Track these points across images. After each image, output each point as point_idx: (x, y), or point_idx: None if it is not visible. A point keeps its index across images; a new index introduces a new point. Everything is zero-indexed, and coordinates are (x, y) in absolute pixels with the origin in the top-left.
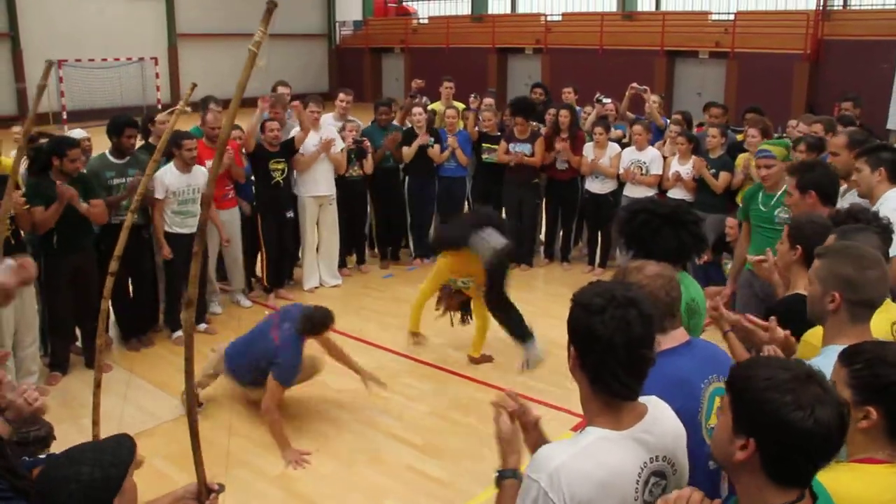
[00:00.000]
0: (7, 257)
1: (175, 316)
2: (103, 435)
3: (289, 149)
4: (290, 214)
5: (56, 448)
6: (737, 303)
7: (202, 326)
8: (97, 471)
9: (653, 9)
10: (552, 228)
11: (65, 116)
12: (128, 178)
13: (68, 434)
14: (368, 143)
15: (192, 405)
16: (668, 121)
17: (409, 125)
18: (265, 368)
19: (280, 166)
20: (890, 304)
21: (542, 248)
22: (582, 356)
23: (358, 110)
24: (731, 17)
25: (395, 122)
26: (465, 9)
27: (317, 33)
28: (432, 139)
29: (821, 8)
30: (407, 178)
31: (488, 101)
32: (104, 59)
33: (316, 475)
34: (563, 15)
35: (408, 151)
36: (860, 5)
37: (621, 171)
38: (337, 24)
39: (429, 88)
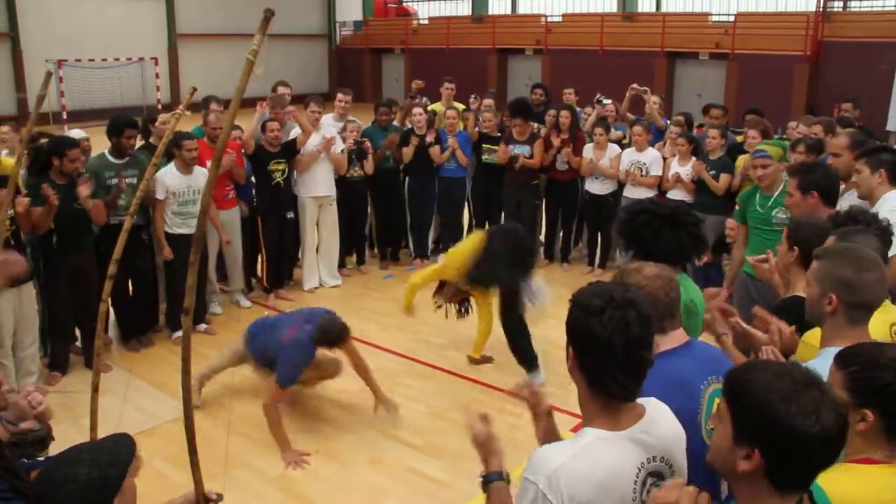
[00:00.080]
0: None
1: (176, 316)
2: (102, 436)
3: (290, 150)
4: (290, 215)
5: (55, 449)
6: (733, 305)
7: (202, 327)
8: (95, 471)
9: (653, 10)
10: (552, 229)
11: (65, 116)
12: (127, 180)
13: (67, 434)
14: (369, 144)
15: (190, 413)
16: (668, 122)
17: (409, 126)
18: (271, 358)
19: (280, 167)
20: (889, 305)
21: (541, 249)
22: (580, 357)
23: (358, 111)
24: (732, 18)
25: (395, 123)
26: (465, 9)
27: (317, 33)
28: (432, 139)
29: (821, 9)
30: (407, 178)
31: (488, 101)
32: (104, 60)
33: (316, 476)
34: (564, 16)
35: (408, 151)
36: (860, 7)
37: (621, 171)
38: (337, 25)
39: (429, 89)
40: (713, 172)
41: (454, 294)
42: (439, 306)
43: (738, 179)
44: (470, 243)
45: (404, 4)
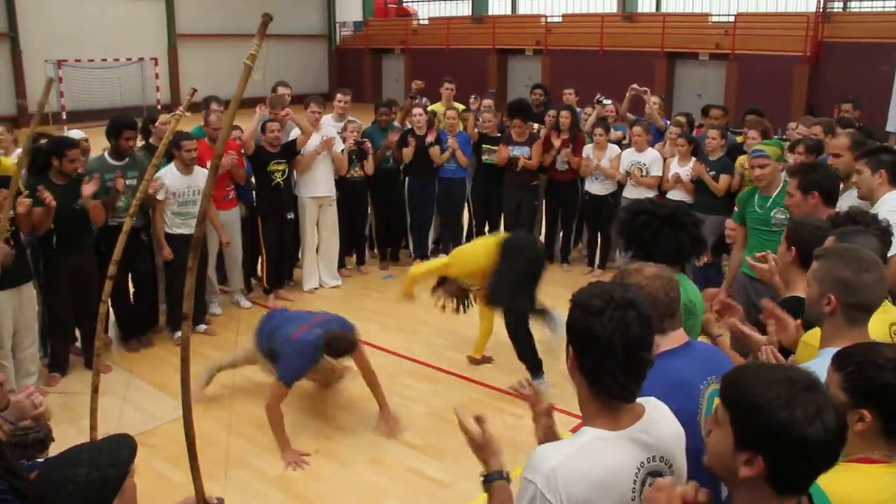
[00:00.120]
0: None
1: (176, 317)
2: (101, 437)
3: (290, 150)
4: (290, 216)
5: (55, 450)
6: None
7: (202, 327)
8: (94, 472)
9: (653, 10)
10: (552, 230)
11: (64, 117)
12: (127, 181)
13: (67, 435)
14: (369, 144)
15: (190, 418)
16: (668, 122)
17: (409, 126)
18: (275, 351)
19: (280, 167)
20: (888, 305)
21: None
22: (580, 357)
23: (358, 111)
24: (732, 18)
25: (395, 123)
26: (465, 10)
27: (317, 34)
28: (433, 140)
29: (821, 10)
30: (407, 178)
31: (487, 102)
32: (104, 60)
33: (316, 476)
34: (564, 16)
35: (407, 152)
36: (860, 8)
37: (621, 171)
38: (337, 25)
39: (429, 89)
40: (713, 173)
41: (455, 291)
42: (437, 302)
43: (738, 180)
44: (482, 249)
45: (404, 5)
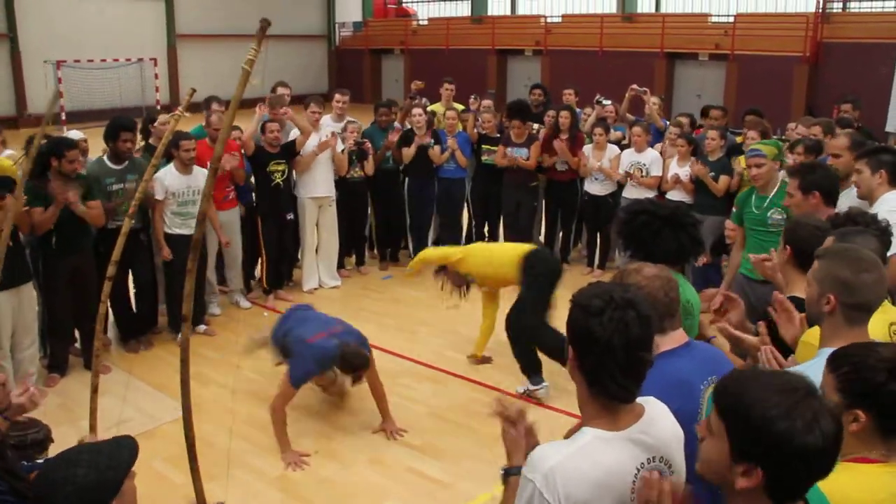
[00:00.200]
0: None
1: (176, 318)
2: (101, 438)
3: (289, 151)
4: (290, 216)
5: (54, 451)
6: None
7: (201, 328)
8: (92, 473)
9: (653, 10)
10: (551, 230)
11: (63, 117)
12: (126, 184)
13: (67, 436)
14: (369, 145)
15: (190, 420)
16: (668, 122)
17: (409, 126)
18: (288, 348)
19: (280, 168)
20: (888, 305)
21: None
22: (580, 357)
23: (358, 112)
24: (731, 19)
25: (396, 124)
26: (464, 10)
27: (316, 34)
28: (432, 140)
29: (820, 10)
30: (406, 179)
31: (487, 102)
32: (103, 60)
33: (316, 476)
34: (563, 16)
35: (408, 152)
36: (859, 8)
37: (621, 172)
38: (336, 25)
39: (428, 90)
40: (712, 174)
41: (456, 279)
42: (441, 288)
43: (737, 180)
44: (507, 258)
45: (404, 5)
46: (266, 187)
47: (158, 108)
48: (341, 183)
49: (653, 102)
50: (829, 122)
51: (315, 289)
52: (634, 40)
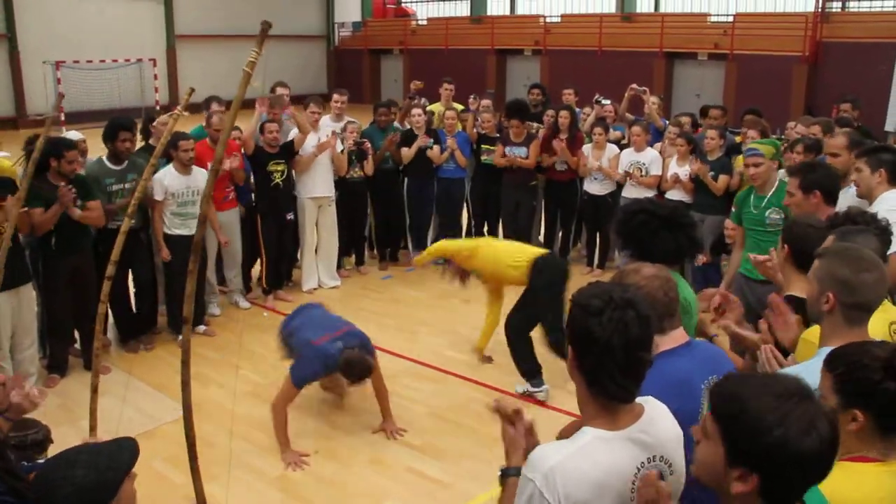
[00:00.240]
0: None
1: (176, 318)
2: (101, 438)
3: (288, 150)
4: (290, 216)
5: (54, 451)
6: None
7: (201, 328)
8: (91, 474)
9: (652, 10)
10: (551, 230)
11: (63, 118)
12: (127, 184)
13: (66, 437)
14: (369, 145)
15: (191, 421)
16: (668, 122)
17: (408, 126)
18: (292, 347)
19: (280, 168)
20: (888, 304)
21: None
22: (579, 357)
23: (357, 112)
24: (730, 18)
25: (396, 124)
26: (463, 10)
27: (315, 34)
28: (431, 140)
29: (819, 10)
30: (406, 179)
31: (486, 102)
32: (102, 61)
33: (316, 476)
34: (562, 16)
35: (407, 153)
36: (859, 8)
37: (620, 171)
38: (336, 26)
39: (428, 89)
40: (712, 173)
41: (458, 270)
42: (442, 275)
43: (737, 179)
44: (511, 257)
45: (403, 5)
46: (265, 187)
47: (158, 108)
48: (341, 183)
49: (652, 102)
50: (828, 122)
51: (314, 289)
52: (633, 40)
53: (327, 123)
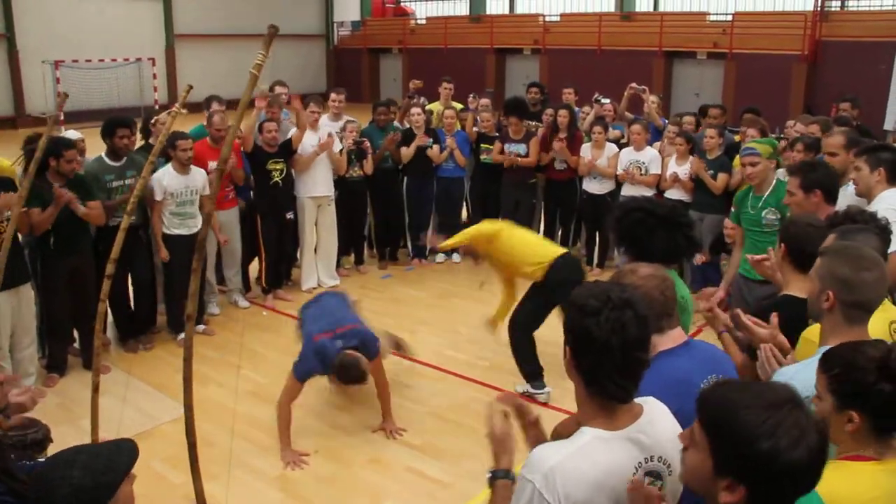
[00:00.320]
0: None
1: (175, 317)
2: (102, 438)
3: (287, 149)
4: (290, 216)
5: (54, 451)
6: (731, 307)
7: (200, 328)
8: (87, 476)
9: (651, 9)
10: (550, 229)
11: (62, 117)
12: (126, 181)
13: (66, 436)
14: (368, 144)
15: (192, 421)
16: (667, 121)
17: (408, 125)
18: (300, 335)
19: (279, 166)
20: (888, 304)
21: None
22: (577, 357)
23: (356, 111)
24: (729, 17)
25: (395, 123)
26: (463, 9)
27: (315, 34)
28: (431, 140)
29: (819, 9)
30: (405, 178)
31: (485, 101)
32: (101, 60)
33: (315, 476)
34: (562, 15)
35: (407, 152)
36: (858, 6)
37: (620, 171)
38: (335, 25)
39: (427, 89)
40: (711, 172)
41: (475, 256)
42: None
43: (737, 178)
44: (527, 251)
45: (402, 4)
46: (265, 186)
47: (157, 108)
48: (340, 182)
49: (651, 101)
50: (826, 121)
51: (314, 288)
52: (633, 39)
53: (326, 123)
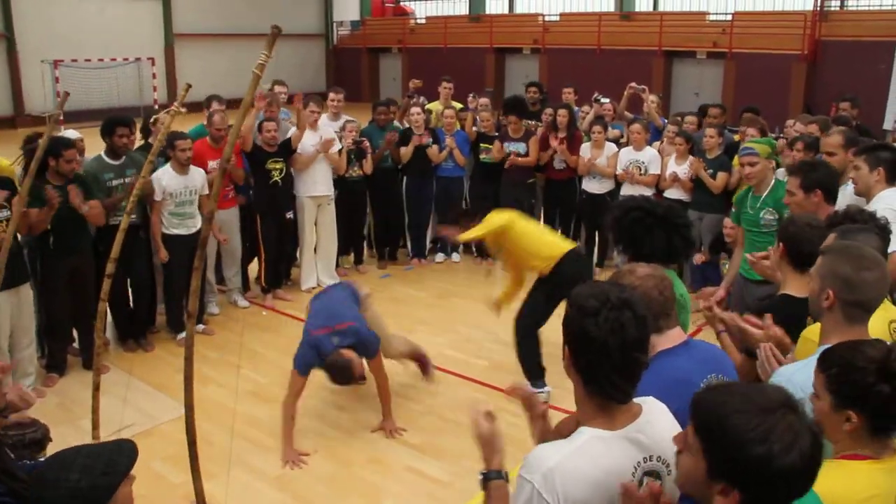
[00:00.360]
0: None
1: (175, 317)
2: (103, 438)
3: (286, 149)
4: (289, 215)
5: (53, 451)
6: (731, 307)
7: (199, 327)
8: (85, 477)
9: (650, 9)
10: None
11: (61, 117)
12: (126, 180)
13: (66, 436)
14: (368, 144)
15: (192, 420)
16: (666, 120)
17: (407, 125)
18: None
19: (278, 166)
20: (888, 303)
21: None
22: (576, 357)
23: (355, 111)
24: (729, 17)
25: (395, 122)
26: (462, 9)
27: (314, 33)
28: (430, 139)
29: (818, 8)
30: (405, 178)
31: (484, 101)
32: (100, 60)
33: (315, 476)
34: (561, 15)
35: (405, 151)
36: (857, 6)
37: (619, 170)
38: (334, 24)
39: (426, 88)
40: (710, 171)
41: (489, 253)
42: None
43: (736, 178)
44: (533, 247)
45: (401, 4)
46: (264, 185)
47: (156, 107)
48: (340, 182)
49: (651, 100)
50: (825, 120)
51: (313, 288)
52: (632, 38)
53: (325, 122)
